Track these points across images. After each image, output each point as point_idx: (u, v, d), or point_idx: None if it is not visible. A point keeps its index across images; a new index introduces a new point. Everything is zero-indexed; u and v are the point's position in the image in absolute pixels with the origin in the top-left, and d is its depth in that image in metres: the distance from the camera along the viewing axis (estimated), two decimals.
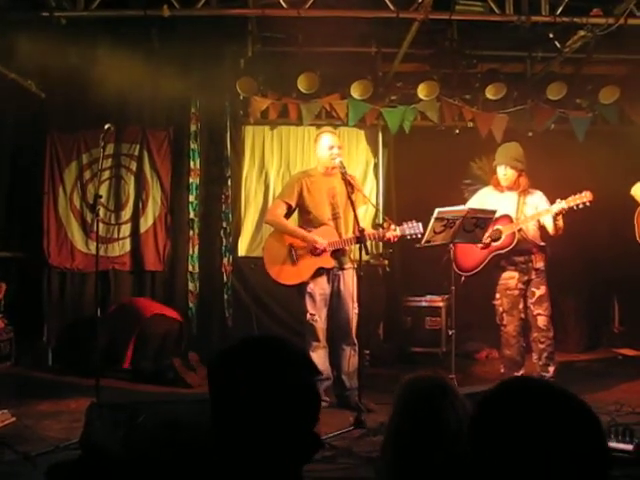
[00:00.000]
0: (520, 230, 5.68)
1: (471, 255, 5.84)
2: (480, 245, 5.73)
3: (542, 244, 5.81)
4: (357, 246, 5.10)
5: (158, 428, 3.45)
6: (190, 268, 7.34)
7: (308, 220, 5.42)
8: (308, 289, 5.31)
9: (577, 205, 5.42)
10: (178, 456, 3.33)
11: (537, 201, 5.82)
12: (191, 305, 7.31)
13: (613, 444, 3.92)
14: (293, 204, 5.44)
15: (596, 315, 8.43)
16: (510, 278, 5.77)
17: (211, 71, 7.01)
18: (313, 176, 5.48)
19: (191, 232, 7.37)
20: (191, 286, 7.34)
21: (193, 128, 7.39)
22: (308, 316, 5.33)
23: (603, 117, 7.64)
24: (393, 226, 5.28)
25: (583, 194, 5.41)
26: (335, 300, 5.37)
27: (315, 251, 5.29)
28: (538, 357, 5.79)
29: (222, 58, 7.07)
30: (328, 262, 5.29)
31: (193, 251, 7.36)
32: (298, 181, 5.47)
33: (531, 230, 5.76)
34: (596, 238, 7.83)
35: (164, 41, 6.67)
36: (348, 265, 5.41)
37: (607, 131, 7.74)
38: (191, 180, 7.40)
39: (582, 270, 8.10)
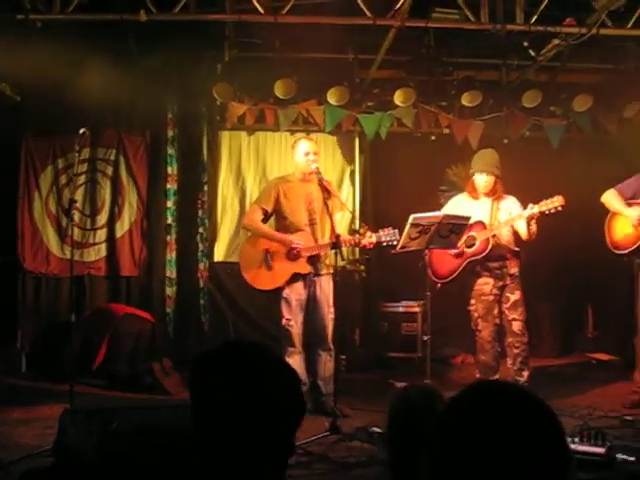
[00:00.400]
0: (494, 236, 5.72)
1: (446, 262, 5.87)
2: (454, 252, 5.77)
3: (516, 249, 5.85)
4: (333, 252, 5.13)
5: (133, 434, 3.43)
6: (168, 273, 7.32)
7: (285, 226, 5.44)
8: (284, 294, 5.33)
9: (549, 210, 5.45)
10: (154, 462, 3.32)
11: (510, 206, 5.87)
12: (168, 310, 7.29)
13: (585, 447, 3.97)
14: (270, 209, 5.45)
15: (570, 320, 8.53)
16: (485, 284, 5.81)
17: (188, 76, 7.01)
18: (290, 182, 5.51)
19: (168, 237, 7.35)
20: (169, 291, 7.31)
21: (170, 133, 7.37)
22: (284, 321, 5.34)
23: (577, 125, 7.73)
24: (369, 233, 5.31)
25: (555, 199, 5.43)
26: (311, 305, 5.38)
27: (291, 254, 5.30)
28: (512, 362, 5.82)
29: (199, 63, 7.06)
30: (304, 267, 5.31)
31: (171, 256, 7.34)
32: (275, 187, 5.50)
33: (505, 236, 5.79)
34: (570, 244, 7.91)
35: (141, 46, 6.64)
36: (324, 271, 5.42)
37: (581, 139, 7.84)
38: (168, 186, 7.37)
39: (556, 276, 8.19)
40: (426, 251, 5.51)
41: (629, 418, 4.99)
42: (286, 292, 5.33)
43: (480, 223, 5.78)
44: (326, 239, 5.34)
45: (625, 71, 7.35)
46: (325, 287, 5.40)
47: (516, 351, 5.79)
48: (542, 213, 5.48)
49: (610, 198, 5.86)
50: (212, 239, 7.52)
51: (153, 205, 7.36)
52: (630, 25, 5.70)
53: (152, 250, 7.32)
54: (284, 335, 5.36)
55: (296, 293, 5.34)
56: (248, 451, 1.50)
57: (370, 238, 5.29)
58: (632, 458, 3.99)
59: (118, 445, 3.38)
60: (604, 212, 6.00)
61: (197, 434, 1.56)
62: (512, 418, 1.31)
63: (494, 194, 5.88)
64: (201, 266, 7.34)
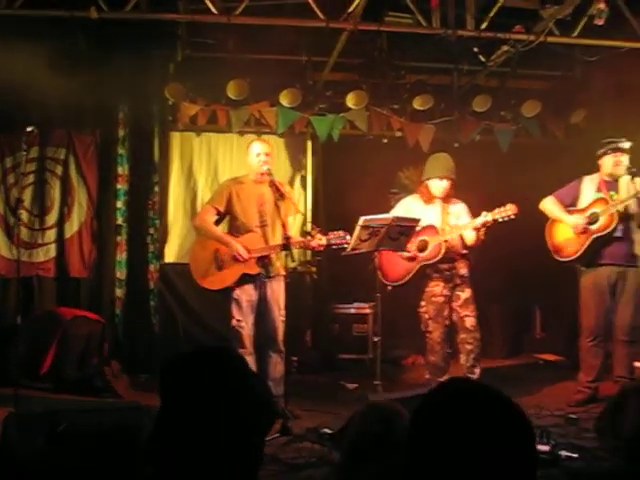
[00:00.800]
0: (446, 241, 5.78)
1: (397, 266, 5.90)
2: (407, 256, 5.82)
3: (465, 252, 5.93)
4: (284, 253, 5.14)
5: (80, 437, 3.38)
6: (118, 274, 7.21)
7: (236, 226, 5.44)
8: (235, 295, 5.32)
9: (502, 218, 5.53)
10: (103, 466, 3.27)
11: (459, 211, 5.94)
12: (117, 312, 7.17)
13: None
14: (222, 210, 5.45)
15: (519, 322, 8.67)
16: (435, 286, 5.86)
17: (140, 76, 6.91)
18: (243, 183, 5.51)
19: (119, 238, 7.24)
20: (118, 292, 7.21)
21: (121, 133, 7.26)
22: (234, 322, 5.33)
23: (526, 130, 7.88)
24: (319, 235, 5.34)
25: (508, 207, 5.50)
26: (262, 307, 5.38)
27: (238, 259, 5.31)
28: (465, 358, 5.87)
29: (151, 62, 6.98)
30: (252, 268, 5.31)
31: (121, 257, 7.24)
32: (227, 187, 5.50)
33: (454, 239, 5.85)
34: (519, 247, 8.01)
35: (91, 43, 6.55)
36: (275, 272, 5.42)
37: (530, 144, 7.98)
38: (119, 186, 7.27)
39: (506, 278, 8.31)
40: (375, 253, 5.55)
41: (573, 416, 5.11)
42: (237, 293, 5.32)
43: (432, 227, 5.82)
44: (277, 240, 5.34)
45: (572, 78, 7.53)
46: (276, 289, 5.40)
47: (469, 347, 5.85)
48: (495, 221, 5.56)
49: (549, 205, 5.97)
50: (163, 240, 7.44)
51: (103, 205, 7.24)
52: (576, 34, 5.83)
53: (102, 251, 7.20)
54: (234, 336, 5.35)
55: (247, 294, 5.34)
56: (216, 460, 1.47)
57: (320, 240, 5.32)
58: (575, 455, 4.09)
59: (65, 449, 3.32)
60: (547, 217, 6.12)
61: (160, 439, 1.52)
62: (485, 417, 1.33)
63: (445, 197, 5.95)
64: (152, 267, 7.26)
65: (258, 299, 5.37)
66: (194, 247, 5.63)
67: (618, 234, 5.62)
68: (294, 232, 5.89)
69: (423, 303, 5.93)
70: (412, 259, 5.83)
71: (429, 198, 5.95)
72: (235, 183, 5.55)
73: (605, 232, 5.60)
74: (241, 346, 5.30)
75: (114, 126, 7.23)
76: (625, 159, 5.62)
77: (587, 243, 5.69)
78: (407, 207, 6.02)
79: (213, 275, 5.36)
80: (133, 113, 7.25)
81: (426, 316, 5.90)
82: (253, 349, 5.39)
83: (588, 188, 5.84)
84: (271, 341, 5.36)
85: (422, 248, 5.82)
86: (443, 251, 5.72)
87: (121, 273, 7.20)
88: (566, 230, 5.86)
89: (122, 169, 7.25)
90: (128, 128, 7.27)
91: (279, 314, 5.38)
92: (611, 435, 4.27)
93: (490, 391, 1.41)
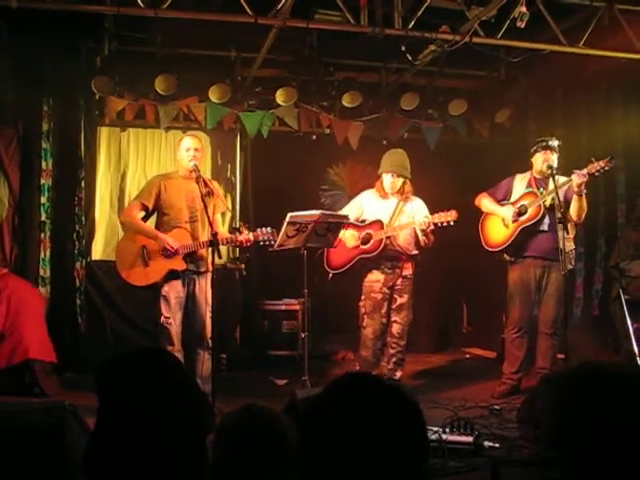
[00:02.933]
0: (389, 237, 5.84)
1: (342, 253, 5.97)
2: (351, 245, 5.87)
3: (413, 253, 5.99)
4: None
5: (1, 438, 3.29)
6: (41, 272, 7.01)
7: (165, 222, 5.39)
8: (163, 292, 5.28)
9: (442, 222, 5.67)
10: (25, 468, 3.19)
11: (416, 209, 5.98)
12: None
13: (455, 437, 4.15)
14: (150, 205, 5.39)
15: (446, 316, 8.84)
16: (375, 281, 5.90)
17: (65, 68, 6.75)
18: (172, 178, 5.47)
19: (42, 235, 7.04)
20: (42, 291, 7.01)
21: (45, 127, 7.05)
22: (162, 319, 5.28)
23: (453, 128, 8.03)
24: (246, 231, 5.33)
25: (449, 213, 5.66)
26: (190, 303, 5.34)
27: (166, 252, 5.25)
28: (387, 361, 5.99)
29: (77, 55, 6.82)
30: (179, 264, 5.27)
31: (45, 255, 7.04)
32: (156, 183, 5.44)
33: (402, 238, 5.90)
34: (447, 243, 8.16)
35: (14, 33, 6.34)
36: (204, 269, 5.39)
37: (457, 142, 8.14)
38: (43, 181, 7.06)
39: (434, 274, 8.44)
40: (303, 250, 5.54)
41: (497, 408, 5.25)
42: (165, 290, 5.28)
43: (378, 222, 5.89)
44: (205, 237, 5.31)
45: (497, 79, 7.71)
46: (204, 285, 5.37)
47: (392, 351, 5.96)
48: (435, 224, 5.68)
49: (483, 200, 6.17)
50: (89, 237, 7.29)
51: (26, 201, 7.02)
52: (500, 35, 5.97)
53: (24, 248, 6.98)
54: (163, 334, 5.30)
55: (175, 291, 5.30)
56: (160, 463, 1.44)
57: (247, 236, 5.31)
58: (497, 445, 4.21)
59: None
60: (479, 212, 6.28)
61: (101, 444, 1.47)
62: (375, 409, 1.34)
63: (402, 195, 6.00)
64: (77, 265, 7.10)
65: (186, 296, 5.34)
66: (121, 242, 5.55)
67: (544, 227, 5.82)
68: (224, 229, 5.87)
69: (363, 297, 5.97)
70: (355, 249, 5.88)
71: (384, 193, 6.00)
72: (164, 178, 5.50)
73: (532, 222, 5.80)
74: (169, 343, 5.26)
75: (38, 119, 7.01)
76: (554, 157, 5.80)
77: (515, 233, 5.89)
78: (365, 200, 6.07)
79: (139, 271, 5.30)
80: (58, 106, 7.05)
81: (363, 310, 5.95)
82: (181, 346, 5.34)
83: (519, 185, 6.03)
84: (199, 338, 5.32)
85: (365, 241, 5.87)
86: (382, 247, 5.78)
87: (45, 271, 7.00)
88: (497, 222, 6.07)
89: (46, 164, 7.04)
90: (53, 122, 7.07)
91: (207, 310, 5.34)
92: (530, 425, 4.42)
93: (379, 383, 1.43)
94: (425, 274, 8.28)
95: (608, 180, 6.88)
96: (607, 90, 7.19)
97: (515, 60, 6.60)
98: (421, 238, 5.84)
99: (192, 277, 5.34)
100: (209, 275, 5.37)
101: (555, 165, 5.70)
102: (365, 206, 6.01)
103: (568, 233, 5.49)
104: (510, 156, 7.25)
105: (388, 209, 5.96)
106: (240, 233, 5.36)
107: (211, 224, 5.02)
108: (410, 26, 5.91)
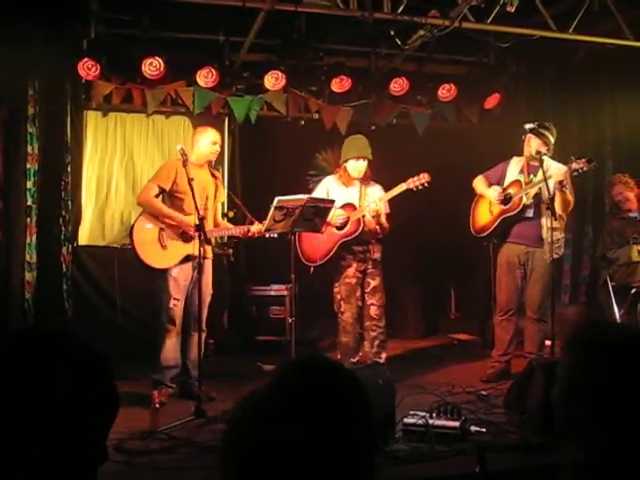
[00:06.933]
0: (364, 216, 5.84)
1: (318, 245, 5.94)
2: (324, 233, 5.86)
3: (380, 236, 6.01)
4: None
5: None
6: (27, 258, 6.95)
7: (179, 207, 5.36)
8: (173, 274, 5.28)
9: (416, 186, 5.69)
10: None
11: (377, 193, 6.01)
12: (27, 296, 6.92)
13: (442, 422, 4.16)
14: (167, 188, 5.35)
15: (434, 302, 8.87)
16: (348, 267, 5.92)
17: (51, 51, 6.67)
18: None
19: (28, 220, 6.98)
20: (28, 276, 6.95)
21: (31, 111, 6.97)
22: (172, 301, 5.27)
23: (442, 114, 8.01)
24: (255, 222, 5.39)
25: (421, 176, 5.71)
26: (193, 287, 5.33)
27: (187, 236, 5.27)
28: (370, 345, 6.00)
29: (63, 38, 6.73)
30: (196, 249, 5.23)
31: (31, 240, 6.98)
32: (174, 166, 5.37)
33: (370, 223, 5.91)
34: (434, 229, 8.20)
35: None
36: (210, 255, 5.46)
37: (446, 127, 8.12)
38: (28, 166, 6.99)
39: (421, 260, 8.48)
40: (290, 235, 5.51)
41: (484, 393, 5.27)
42: (176, 272, 5.29)
43: (351, 205, 5.90)
44: (211, 224, 5.38)
45: (486, 64, 7.69)
46: (208, 270, 5.42)
47: (373, 334, 5.98)
48: (409, 190, 5.72)
49: (478, 183, 6.20)
50: (76, 222, 7.23)
51: (11, 186, 6.94)
52: (489, 20, 5.94)
53: (9, 233, 6.91)
54: (168, 314, 5.28)
55: (185, 274, 5.33)
56: (46, 457, 1.22)
57: (259, 226, 5.35)
58: (484, 429, 4.22)
59: None
60: (467, 198, 6.29)
61: None
62: (315, 389, 1.26)
63: (364, 178, 6.00)
64: (64, 250, 7.05)
65: (192, 280, 5.34)
66: (138, 224, 5.38)
67: (529, 215, 5.84)
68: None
69: (337, 284, 5.99)
70: (333, 236, 5.87)
71: (348, 180, 5.99)
72: (180, 163, 5.40)
73: (511, 213, 5.85)
74: (172, 323, 5.29)
75: (23, 103, 6.93)
76: (547, 141, 5.78)
77: (496, 223, 5.95)
78: (329, 188, 6.05)
79: (157, 254, 5.27)
80: (44, 90, 6.97)
81: (338, 296, 5.97)
82: (180, 329, 5.37)
83: (513, 169, 6.05)
84: (196, 321, 5.28)
85: (342, 225, 5.87)
86: (362, 226, 5.78)
87: (31, 256, 6.94)
88: (485, 207, 6.10)
89: (32, 148, 6.97)
90: (39, 106, 7.00)
91: (208, 295, 5.43)
92: (517, 410, 4.44)
93: (321, 362, 1.34)
94: (412, 261, 8.34)
95: (597, 167, 6.88)
96: (596, 76, 7.19)
97: (505, 45, 6.58)
98: (383, 225, 5.88)
99: (201, 262, 5.31)
100: (211, 261, 5.50)
101: (544, 151, 5.69)
102: (331, 192, 5.99)
103: (556, 219, 5.48)
104: (500, 142, 7.24)
105: (352, 195, 5.98)
106: (251, 223, 5.41)
107: (216, 213, 5.15)
108: (399, 10, 5.87)
